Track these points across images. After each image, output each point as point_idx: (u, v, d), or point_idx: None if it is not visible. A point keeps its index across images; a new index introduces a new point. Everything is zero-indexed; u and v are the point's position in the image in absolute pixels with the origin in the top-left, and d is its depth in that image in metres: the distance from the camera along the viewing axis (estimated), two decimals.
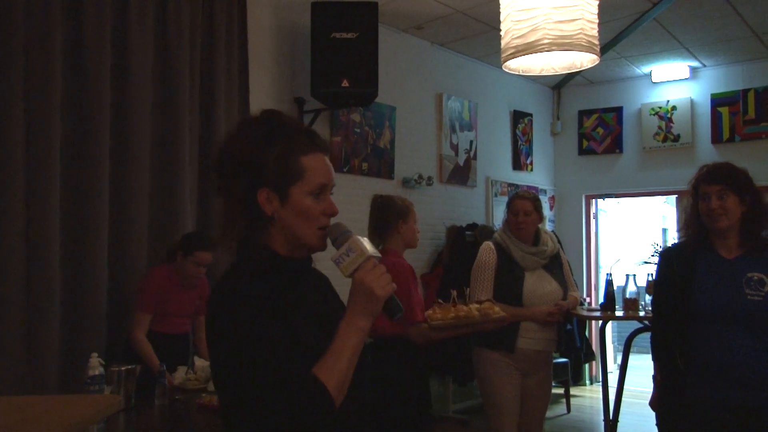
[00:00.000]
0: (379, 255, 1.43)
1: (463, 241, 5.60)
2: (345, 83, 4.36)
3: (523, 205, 3.39)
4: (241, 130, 1.47)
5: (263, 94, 4.48)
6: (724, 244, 2.48)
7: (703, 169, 2.56)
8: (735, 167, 2.52)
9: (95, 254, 3.30)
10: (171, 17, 3.71)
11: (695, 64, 6.63)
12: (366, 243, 1.41)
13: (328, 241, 1.47)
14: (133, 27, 3.53)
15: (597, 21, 2.81)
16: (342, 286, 1.64)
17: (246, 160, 1.41)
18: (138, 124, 3.53)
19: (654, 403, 2.69)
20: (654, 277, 2.74)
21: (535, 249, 3.38)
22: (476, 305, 2.71)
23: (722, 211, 2.44)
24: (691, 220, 2.56)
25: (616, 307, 4.73)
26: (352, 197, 5.10)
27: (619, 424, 4.61)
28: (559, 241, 3.67)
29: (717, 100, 6.61)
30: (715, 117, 6.60)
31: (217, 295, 1.40)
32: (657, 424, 2.64)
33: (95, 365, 2.73)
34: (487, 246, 3.45)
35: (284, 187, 1.42)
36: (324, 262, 1.59)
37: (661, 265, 2.66)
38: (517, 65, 3.00)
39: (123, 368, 2.98)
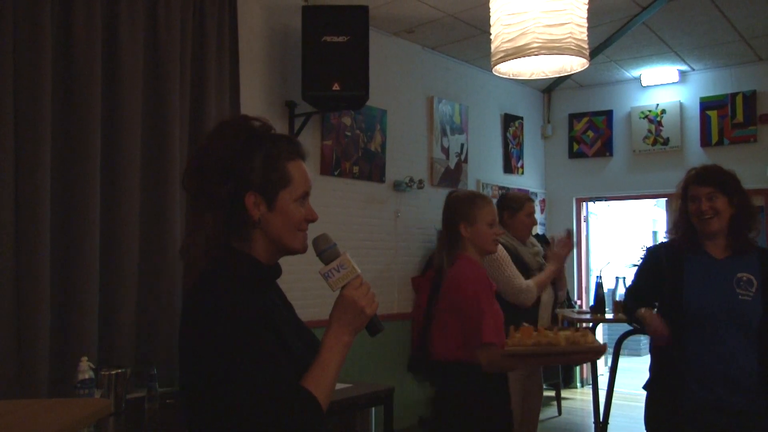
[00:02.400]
0: (360, 271, 1.45)
1: None
2: (336, 87, 4.36)
3: (533, 207, 3.49)
4: (221, 135, 1.46)
5: (254, 97, 4.48)
6: (713, 245, 2.51)
7: (692, 172, 2.60)
8: (723, 170, 2.56)
9: (86, 257, 3.29)
10: (161, 21, 3.71)
11: (684, 67, 6.68)
12: (338, 270, 1.43)
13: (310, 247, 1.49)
14: (123, 31, 3.52)
15: (586, 25, 2.83)
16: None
17: (231, 165, 1.40)
18: (128, 128, 3.52)
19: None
20: (636, 273, 2.74)
21: (536, 250, 3.42)
22: (565, 332, 2.33)
23: (712, 213, 2.47)
24: (680, 221, 2.59)
25: (606, 309, 4.75)
26: (343, 201, 5.11)
27: (609, 426, 4.63)
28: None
29: (706, 104, 6.65)
30: (704, 120, 6.65)
31: (201, 303, 1.36)
32: (645, 423, 2.65)
33: (85, 369, 2.73)
34: (503, 251, 3.46)
35: (273, 192, 1.42)
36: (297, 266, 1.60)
37: (647, 259, 2.69)
38: (507, 69, 3.01)
39: (113, 372, 2.98)
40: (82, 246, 3.28)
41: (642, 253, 2.78)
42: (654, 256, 2.67)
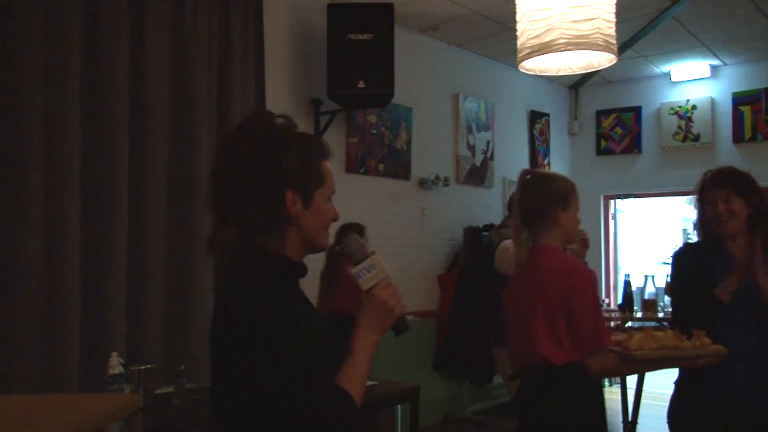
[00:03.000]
0: (387, 273, 1.46)
1: (479, 241, 5.57)
2: (361, 84, 4.37)
3: None
4: (250, 132, 1.46)
5: (279, 96, 4.50)
6: (734, 245, 2.51)
7: (707, 175, 2.60)
8: (738, 171, 2.58)
9: (114, 254, 3.33)
10: (187, 20, 3.74)
11: (716, 62, 6.56)
12: (368, 271, 1.45)
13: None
14: (149, 31, 3.56)
15: (614, 20, 2.79)
16: None
17: (269, 162, 1.41)
18: (155, 127, 3.56)
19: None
20: (670, 277, 2.74)
21: None
22: (686, 337, 2.20)
23: (729, 215, 2.47)
24: (699, 224, 2.61)
25: (635, 308, 4.70)
26: (368, 198, 5.11)
27: (638, 426, 4.58)
28: None
29: (738, 99, 6.53)
30: (737, 116, 6.53)
31: (237, 303, 1.38)
32: (668, 418, 2.63)
33: (115, 364, 2.77)
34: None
35: (310, 190, 1.45)
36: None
37: (676, 265, 2.68)
38: (533, 65, 2.98)
39: (142, 367, 3.02)
40: (110, 243, 3.33)
41: (669, 260, 2.77)
42: (680, 262, 2.67)
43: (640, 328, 2.38)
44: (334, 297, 4.22)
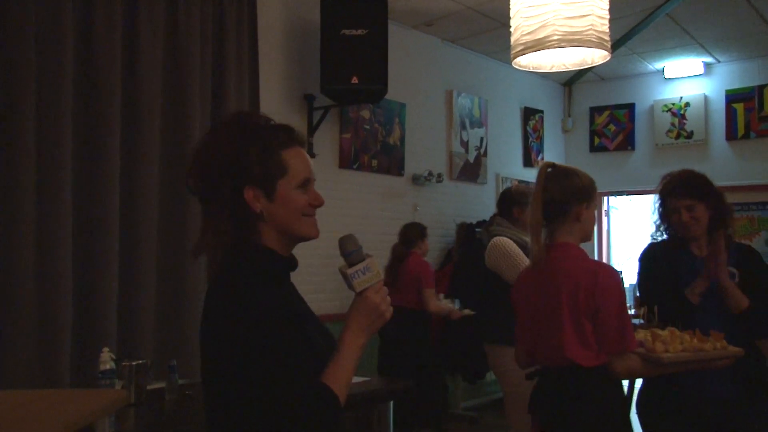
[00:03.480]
0: (382, 277, 1.45)
1: (473, 238, 5.58)
2: (354, 80, 4.36)
3: None
4: (217, 133, 1.49)
5: (273, 91, 4.49)
6: (696, 245, 2.64)
7: (666, 179, 2.70)
8: (697, 177, 2.67)
9: (106, 251, 3.32)
10: (181, 16, 3.72)
11: (709, 59, 6.58)
12: (362, 274, 1.44)
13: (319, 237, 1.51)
14: (142, 25, 3.55)
15: (608, 17, 2.79)
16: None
17: (228, 161, 1.42)
18: (148, 123, 3.54)
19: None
20: (638, 276, 2.82)
21: None
22: (705, 337, 2.19)
23: (693, 221, 2.58)
24: (662, 225, 2.72)
25: (629, 304, 4.70)
26: (361, 194, 5.11)
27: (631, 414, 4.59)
28: None
29: (731, 96, 6.55)
30: (730, 113, 6.55)
31: (223, 297, 1.39)
32: (636, 409, 2.69)
33: (106, 360, 2.76)
34: (506, 240, 3.44)
35: (270, 183, 1.43)
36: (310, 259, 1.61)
37: (643, 264, 2.80)
38: (527, 62, 2.98)
39: (133, 363, 3.01)
40: (102, 240, 3.31)
41: (637, 260, 2.86)
42: (650, 259, 2.78)
43: (641, 326, 2.38)
44: (397, 292, 4.40)
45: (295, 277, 1.54)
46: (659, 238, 2.76)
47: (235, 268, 1.41)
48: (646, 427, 2.63)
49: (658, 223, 2.73)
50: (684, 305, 2.51)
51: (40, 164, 3.14)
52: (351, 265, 1.42)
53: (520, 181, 6.64)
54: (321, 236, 1.53)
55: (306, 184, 1.48)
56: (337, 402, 1.35)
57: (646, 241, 2.84)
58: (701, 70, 6.68)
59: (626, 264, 5.74)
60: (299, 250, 1.51)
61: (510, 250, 3.39)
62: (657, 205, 2.72)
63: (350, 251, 1.44)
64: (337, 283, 1.71)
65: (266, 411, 1.32)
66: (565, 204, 2.15)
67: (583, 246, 2.24)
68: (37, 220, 3.11)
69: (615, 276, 2.11)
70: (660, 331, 2.24)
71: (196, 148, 1.49)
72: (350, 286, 1.42)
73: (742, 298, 2.47)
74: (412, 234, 4.86)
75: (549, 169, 2.21)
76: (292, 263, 1.52)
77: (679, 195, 2.60)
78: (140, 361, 3.04)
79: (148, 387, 3.09)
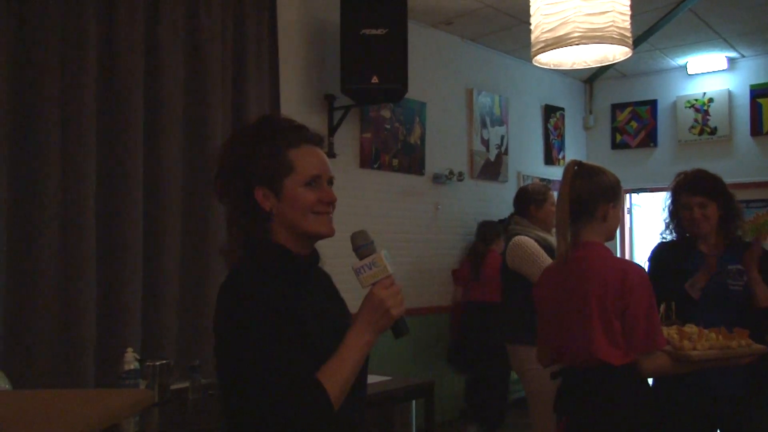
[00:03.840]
0: (393, 271, 1.44)
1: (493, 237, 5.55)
2: (375, 79, 4.36)
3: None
4: (234, 137, 1.56)
5: (293, 91, 4.50)
6: (705, 244, 2.69)
7: (680, 177, 2.77)
8: (710, 176, 2.74)
9: (130, 251, 3.35)
10: (202, 16, 3.75)
11: (733, 54, 6.48)
12: (389, 260, 1.44)
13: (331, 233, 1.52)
14: (164, 26, 3.57)
15: (629, 12, 2.77)
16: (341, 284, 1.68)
17: (239, 162, 1.47)
18: (170, 124, 3.57)
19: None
20: (649, 273, 2.80)
21: None
22: (730, 335, 2.20)
23: (703, 219, 2.64)
24: (672, 223, 2.78)
25: None
26: (382, 193, 5.11)
27: None
28: None
29: (756, 91, 6.45)
30: (755, 108, 6.45)
31: (231, 291, 1.43)
32: None
33: (130, 360, 2.79)
34: (527, 239, 3.43)
35: (277, 181, 1.46)
36: (334, 260, 1.63)
37: (653, 264, 2.84)
38: (547, 59, 2.96)
39: (157, 363, 3.04)
40: (126, 242, 3.35)
41: (647, 260, 2.92)
42: (660, 257, 2.83)
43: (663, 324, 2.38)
44: (480, 287, 5.04)
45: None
46: (668, 237, 2.81)
47: (243, 264, 1.45)
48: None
49: (667, 221, 2.79)
50: (685, 303, 2.54)
51: (65, 168, 3.18)
52: (360, 260, 1.43)
53: (541, 179, 6.60)
54: (342, 236, 1.53)
55: (314, 181, 1.48)
56: (324, 397, 1.34)
57: (656, 241, 2.87)
58: (725, 65, 6.59)
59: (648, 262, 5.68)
60: (327, 251, 1.52)
61: (532, 250, 3.37)
62: (668, 202, 2.78)
63: (360, 245, 1.45)
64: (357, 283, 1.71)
65: (256, 404, 1.34)
66: (592, 203, 2.14)
67: (608, 242, 2.23)
68: (62, 223, 3.15)
69: (643, 275, 2.09)
70: (687, 329, 2.22)
71: (218, 151, 1.55)
72: (360, 283, 1.42)
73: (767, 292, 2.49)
74: (490, 232, 5.33)
75: (576, 168, 2.19)
76: (307, 260, 1.52)
77: (693, 192, 2.66)
78: (164, 361, 3.07)
79: (172, 387, 3.12)
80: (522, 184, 6.43)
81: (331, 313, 1.54)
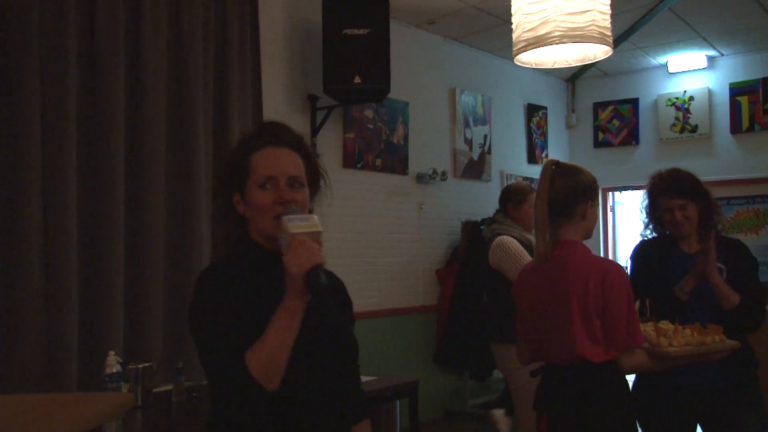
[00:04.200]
0: (316, 230, 1.41)
1: (478, 236, 5.57)
2: (357, 79, 4.36)
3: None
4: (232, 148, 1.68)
5: (276, 92, 4.49)
6: (686, 242, 2.69)
7: (656, 178, 2.73)
8: (687, 176, 2.70)
9: (112, 253, 3.33)
10: (183, 18, 3.73)
11: (713, 53, 6.55)
12: (296, 221, 1.41)
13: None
14: (146, 27, 3.55)
15: (609, 12, 2.79)
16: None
17: (221, 171, 1.63)
18: (152, 124, 3.55)
19: None
20: (631, 273, 2.84)
21: None
22: (703, 331, 2.25)
23: (686, 221, 2.63)
24: (651, 223, 2.77)
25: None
26: (366, 193, 5.11)
27: None
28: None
29: (736, 90, 6.52)
30: (734, 106, 6.52)
31: (198, 278, 1.54)
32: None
33: (113, 363, 2.77)
34: (510, 239, 3.45)
35: (242, 186, 1.53)
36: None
37: (635, 262, 2.84)
38: (529, 58, 2.98)
39: (140, 366, 3.02)
40: (108, 243, 3.32)
41: (628, 258, 2.91)
42: (639, 258, 2.83)
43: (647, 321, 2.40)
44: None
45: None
46: (649, 236, 2.81)
47: (219, 259, 1.61)
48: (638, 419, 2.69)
49: (646, 221, 2.78)
50: (674, 302, 2.56)
51: (46, 171, 3.15)
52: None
53: (524, 178, 6.64)
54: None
55: (267, 182, 1.50)
56: (241, 369, 1.35)
57: (638, 239, 2.88)
58: (705, 64, 6.65)
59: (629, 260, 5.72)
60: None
61: (513, 250, 3.39)
62: (645, 204, 2.76)
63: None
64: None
65: (209, 382, 1.49)
66: (571, 202, 2.15)
67: (588, 241, 2.25)
68: (43, 226, 3.12)
69: (623, 273, 2.12)
70: (663, 326, 2.25)
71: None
72: (284, 230, 1.42)
73: (732, 294, 2.49)
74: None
75: (554, 167, 2.20)
76: (275, 256, 1.50)
77: (672, 194, 2.63)
78: (147, 364, 3.05)
79: (155, 389, 3.11)
80: (505, 183, 6.47)
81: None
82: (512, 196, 3.64)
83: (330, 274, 1.57)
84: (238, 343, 1.38)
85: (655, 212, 2.73)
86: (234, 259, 1.54)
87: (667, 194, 2.65)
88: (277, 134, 1.57)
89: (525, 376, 3.25)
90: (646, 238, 2.83)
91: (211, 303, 1.44)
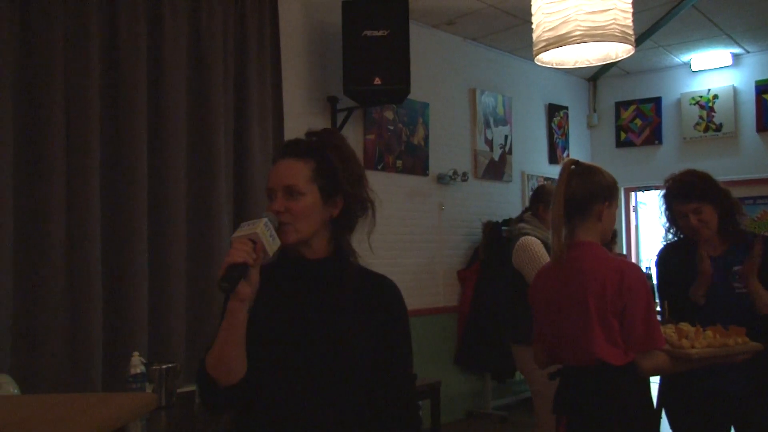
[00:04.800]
0: (254, 231, 1.44)
1: (499, 236, 5.55)
2: (377, 81, 4.36)
3: None
4: None
5: (296, 94, 4.51)
6: (708, 245, 2.59)
7: (669, 183, 2.68)
8: (700, 177, 2.61)
9: (136, 256, 3.37)
10: (203, 21, 3.76)
11: (738, 50, 6.46)
12: (245, 227, 1.45)
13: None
14: (166, 32, 3.58)
15: (631, 10, 2.76)
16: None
17: None
18: (173, 128, 3.58)
19: None
20: (657, 278, 2.82)
21: None
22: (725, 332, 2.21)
23: (702, 224, 2.55)
24: (671, 228, 2.71)
25: (656, 301, 4.65)
26: (386, 195, 5.10)
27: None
28: None
29: (762, 87, 6.42)
30: (760, 104, 6.42)
31: None
32: (668, 418, 2.71)
33: (136, 364, 2.79)
34: (533, 240, 3.43)
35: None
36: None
37: (661, 266, 2.80)
38: (549, 58, 2.96)
39: (164, 366, 3.04)
40: (131, 244, 3.36)
41: (654, 264, 2.87)
42: (664, 262, 2.79)
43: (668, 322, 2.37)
44: None
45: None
46: (672, 239, 2.75)
47: None
48: (670, 424, 2.68)
49: (666, 225, 2.72)
50: (693, 305, 2.53)
51: (70, 174, 3.19)
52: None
53: (546, 179, 6.60)
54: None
55: (270, 194, 1.56)
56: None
57: (661, 241, 2.84)
58: (729, 62, 6.56)
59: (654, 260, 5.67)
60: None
61: (534, 252, 3.37)
62: (663, 208, 2.70)
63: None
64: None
65: None
66: (588, 202, 2.13)
67: (618, 239, 2.23)
68: (68, 228, 3.17)
69: (641, 274, 2.07)
70: (683, 327, 2.21)
71: None
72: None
73: None
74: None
75: (573, 167, 2.17)
76: (282, 265, 1.60)
77: (684, 199, 2.57)
78: (170, 365, 3.08)
79: (179, 390, 3.13)
80: (527, 184, 6.44)
81: (286, 321, 1.54)
82: (544, 197, 3.61)
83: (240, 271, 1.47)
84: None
85: (673, 218, 2.67)
86: (271, 264, 1.58)
87: (679, 199, 2.59)
88: (286, 146, 1.62)
89: (544, 377, 3.23)
90: (669, 242, 2.78)
91: (225, 309, 1.50)
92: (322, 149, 1.57)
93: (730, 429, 2.61)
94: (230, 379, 1.45)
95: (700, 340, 2.13)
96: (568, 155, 7.05)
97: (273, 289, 1.55)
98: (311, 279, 1.57)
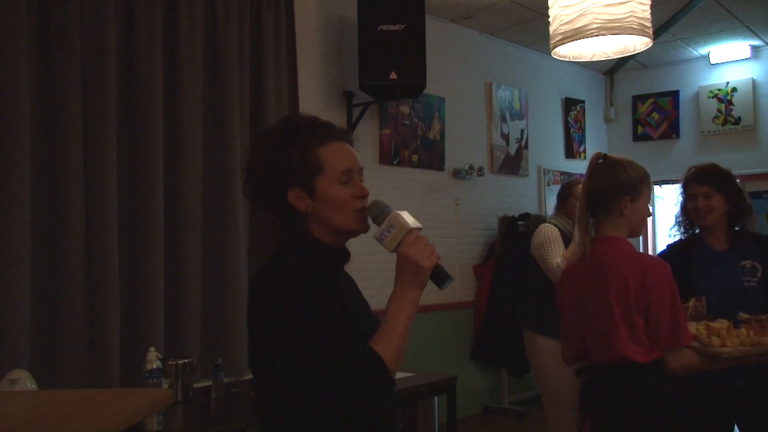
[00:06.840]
0: (420, 226, 1.43)
1: (515, 231, 5.53)
2: (393, 75, 4.35)
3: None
4: (262, 140, 1.53)
5: (312, 89, 4.51)
6: (714, 239, 2.69)
7: (691, 170, 2.77)
8: (720, 168, 2.72)
9: (152, 252, 3.38)
10: (219, 16, 3.76)
11: (757, 42, 6.37)
12: (406, 216, 1.43)
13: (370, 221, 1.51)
14: (182, 27, 3.59)
15: (649, 2, 2.73)
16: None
17: (270, 167, 1.46)
18: (189, 124, 3.59)
19: None
20: None
21: None
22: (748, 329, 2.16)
23: (708, 209, 2.64)
24: (680, 217, 2.79)
25: None
26: (402, 189, 5.10)
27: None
28: None
29: None
30: None
31: (267, 278, 1.43)
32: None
33: (153, 359, 2.81)
34: (549, 226, 3.43)
35: (309, 181, 1.45)
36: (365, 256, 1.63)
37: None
38: (566, 52, 2.93)
39: (180, 362, 3.06)
40: (148, 242, 3.37)
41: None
42: (670, 259, 2.78)
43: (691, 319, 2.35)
44: None
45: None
46: (676, 236, 2.82)
47: (281, 255, 1.46)
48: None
49: (678, 216, 2.80)
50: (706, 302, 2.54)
51: (87, 171, 3.21)
52: (378, 227, 1.44)
53: (562, 173, 6.56)
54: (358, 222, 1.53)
55: (345, 176, 1.47)
56: (380, 363, 1.35)
57: (667, 237, 2.87)
58: (748, 54, 6.48)
59: None
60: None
61: (547, 237, 3.37)
62: (680, 192, 2.80)
63: (375, 215, 1.46)
64: (382, 278, 1.73)
65: (314, 383, 1.35)
66: (607, 196, 2.10)
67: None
68: (85, 226, 3.19)
69: (665, 270, 2.03)
70: (716, 325, 2.17)
71: (246, 156, 1.55)
72: (386, 249, 1.44)
73: None
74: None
75: (599, 161, 2.15)
76: (341, 255, 1.52)
77: (699, 181, 2.68)
78: (186, 360, 3.10)
79: (195, 385, 3.15)
80: (543, 178, 6.41)
81: (362, 303, 1.56)
82: (566, 191, 3.62)
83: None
84: (354, 339, 1.38)
85: (685, 204, 2.76)
86: (299, 257, 1.44)
87: (695, 180, 2.70)
88: (338, 128, 1.54)
89: (550, 370, 3.23)
90: (671, 244, 2.85)
91: (309, 303, 1.37)
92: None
93: (733, 423, 2.64)
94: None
95: (732, 339, 2.08)
96: (584, 150, 7.01)
97: (334, 281, 1.50)
98: (342, 269, 1.57)
